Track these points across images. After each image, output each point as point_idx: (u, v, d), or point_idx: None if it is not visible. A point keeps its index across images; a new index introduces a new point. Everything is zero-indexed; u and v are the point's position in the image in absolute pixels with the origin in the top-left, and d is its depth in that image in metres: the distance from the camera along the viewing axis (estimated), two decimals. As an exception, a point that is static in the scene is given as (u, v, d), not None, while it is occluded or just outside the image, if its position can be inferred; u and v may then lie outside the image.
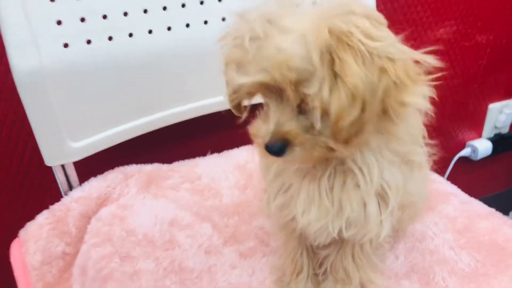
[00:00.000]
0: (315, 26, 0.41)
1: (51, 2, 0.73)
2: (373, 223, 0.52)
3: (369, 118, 0.42)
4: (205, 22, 0.89)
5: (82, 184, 0.87)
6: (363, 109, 0.41)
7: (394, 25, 0.45)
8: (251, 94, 0.48)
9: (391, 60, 0.40)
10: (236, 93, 0.48)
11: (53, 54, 0.75)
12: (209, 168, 0.96)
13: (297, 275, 0.65)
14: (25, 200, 1.00)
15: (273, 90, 0.44)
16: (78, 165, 0.87)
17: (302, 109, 0.44)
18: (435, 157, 0.59)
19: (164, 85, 0.90)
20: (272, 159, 0.54)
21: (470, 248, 0.67)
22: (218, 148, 1.03)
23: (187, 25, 0.88)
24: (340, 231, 0.53)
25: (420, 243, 0.70)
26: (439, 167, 0.99)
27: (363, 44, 0.39)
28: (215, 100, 0.97)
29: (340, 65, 0.39)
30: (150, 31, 0.85)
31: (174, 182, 0.92)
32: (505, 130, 1.51)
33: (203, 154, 1.02)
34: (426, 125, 0.55)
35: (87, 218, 0.82)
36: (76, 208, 0.81)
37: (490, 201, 1.53)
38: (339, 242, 0.61)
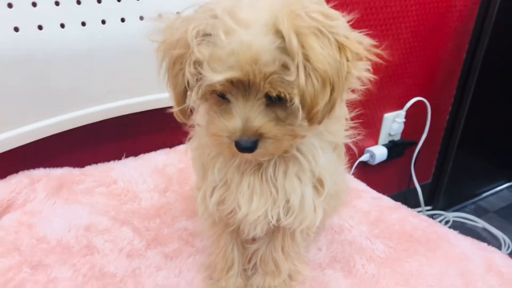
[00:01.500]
0: (277, 16, 0.42)
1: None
2: (309, 209, 0.54)
3: (338, 97, 0.45)
4: (122, 20, 0.86)
5: (-20, 189, 0.78)
6: (332, 90, 0.43)
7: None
8: (212, 93, 0.46)
9: (346, 37, 0.44)
10: (199, 92, 0.45)
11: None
12: (125, 172, 0.92)
13: (228, 271, 0.64)
14: None
15: (240, 86, 0.44)
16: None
17: (267, 102, 0.45)
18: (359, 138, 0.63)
19: (74, 83, 0.85)
20: (211, 157, 0.55)
21: (383, 237, 0.73)
22: (134, 151, 0.99)
23: (103, 22, 0.84)
24: (278, 219, 0.54)
25: (339, 235, 0.74)
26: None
27: (323, 25, 0.42)
28: (130, 101, 0.94)
29: (309, 51, 0.41)
30: (62, 25, 0.80)
31: (87, 187, 0.87)
32: (397, 137, 1.67)
33: (118, 158, 0.97)
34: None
35: (-13, 227, 0.73)
36: (-26, 215, 0.72)
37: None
38: (269, 235, 0.62)
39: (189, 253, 0.72)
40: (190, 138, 0.60)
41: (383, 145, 1.63)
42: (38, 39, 0.77)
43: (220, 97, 0.47)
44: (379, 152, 1.59)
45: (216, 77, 0.43)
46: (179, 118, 0.51)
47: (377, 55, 0.49)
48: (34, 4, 0.76)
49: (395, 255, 0.69)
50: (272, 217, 0.54)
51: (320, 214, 0.56)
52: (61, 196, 0.83)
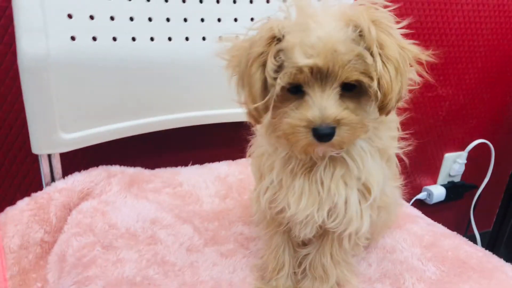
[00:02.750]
0: (351, 9, 0.49)
1: (65, -5, 0.77)
2: (353, 213, 0.57)
3: (405, 90, 0.50)
4: (203, 39, 0.96)
5: (65, 177, 0.87)
6: (401, 81, 0.49)
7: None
8: (294, 82, 0.50)
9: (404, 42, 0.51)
10: (284, 78, 0.49)
11: (60, 45, 0.78)
12: (190, 176, 0.99)
13: (278, 272, 0.68)
14: (7, 188, 0.98)
15: (317, 76, 0.48)
16: (62, 158, 0.88)
17: (341, 93, 0.50)
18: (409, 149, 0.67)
19: (158, 92, 0.94)
20: (267, 165, 0.61)
21: (436, 261, 0.73)
22: (200, 161, 1.06)
23: (187, 39, 0.94)
24: (323, 221, 0.58)
25: (391, 255, 0.75)
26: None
27: (391, 27, 0.49)
28: (201, 114, 1.02)
29: (384, 40, 0.48)
30: (152, 38, 0.90)
31: (155, 186, 0.94)
32: (457, 179, 1.63)
33: (185, 164, 1.05)
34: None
35: (68, 209, 0.82)
36: (59, 198, 0.81)
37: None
38: (320, 240, 0.65)
39: (244, 254, 0.76)
40: (251, 145, 0.66)
41: (442, 185, 1.60)
42: (132, 48, 0.87)
43: (292, 93, 0.51)
44: (437, 192, 1.57)
45: (305, 61, 0.47)
46: (253, 117, 0.54)
47: (426, 62, 0.54)
48: (131, 19, 0.86)
49: (447, 278, 0.69)
50: (318, 217, 0.57)
51: (367, 221, 0.59)
52: (131, 192, 0.90)
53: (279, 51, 0.50)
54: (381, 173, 0.59)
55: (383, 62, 0.49)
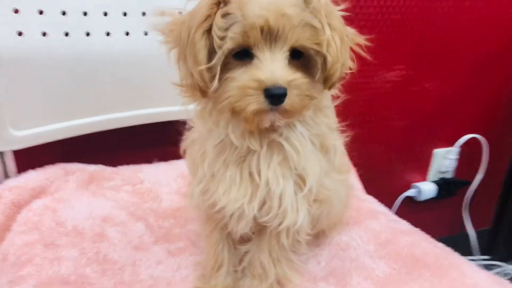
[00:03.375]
0: None
1: (10, -9, 0.76)
2: (288, 205, 0.54)
3: (347, 65, 0.52)
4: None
5: (20, 174, 0.86)
6: (345, 54, 0.50)
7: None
8: (242, 44, 0.48)
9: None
10: (234, 38, 0.48)
11: (6, 40, 0.77)
12: (153, 174, 0.97)
13: (218, 269, 0.65)
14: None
15: (267, 38, 0.48)
16: (19, 156, 0.87)
17: (289, 59, 0.49)
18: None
19: (115, 88, 0.92)
20: (200, 153, 0.58)
21: (389, 259, 0.69)
22: (165, 158, 1.04)
23: (146, 34, 0.92)
24: (256, 214, 0.55)
25: (343, 252, 0.72)
26: (386, 204, 1.05)
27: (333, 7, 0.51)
28: (165, 110, 0.99)
29: (331, 11, 0.50)
30: (107, 33, 0.88)
31: (115, 184, 0.92)
32: (449, 175, 1.58)
33: (150, 162, 1.03)
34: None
35: (18, 207, 0.80)
36: (8, 196, 0.80)
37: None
38: (258, 237, 0.62)
39: (192, 253, 0.74)
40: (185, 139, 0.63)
41: (433, 181, 1.55)
42: (85, 44, 0.86)
43: (238, 59, 0.49)
44: (427, 188, 1.52)
45: (258, 16, 0.46)
46: (199, 88, 0.50)
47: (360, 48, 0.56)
48: (85, 14, 0.85)
49: (396, 276, 0.65)
50: (249, 210, 0.54)
51: (303, 214, 0.56)
52: (89, 189, 0.89)
53: (225, 14, 0.48)
54: (318, 164, 0.57)
55: (332, 29, 0.50)
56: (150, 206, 0.88)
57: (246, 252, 0.64)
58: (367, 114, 1.37)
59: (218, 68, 0.49)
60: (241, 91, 0.48)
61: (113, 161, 1.00)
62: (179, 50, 0.51)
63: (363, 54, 0.56)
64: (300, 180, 0.56)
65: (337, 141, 0.62)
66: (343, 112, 0.63)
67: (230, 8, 0.48)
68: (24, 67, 0.80)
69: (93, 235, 0.76)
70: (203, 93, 0.51)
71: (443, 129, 1.50)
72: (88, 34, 0.86)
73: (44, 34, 0.81)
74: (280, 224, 0.56)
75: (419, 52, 1.33)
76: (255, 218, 0.57)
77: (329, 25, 0.49)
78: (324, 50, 0.49)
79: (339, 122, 0.63)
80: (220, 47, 0.48)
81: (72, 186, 0.88)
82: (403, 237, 0.75)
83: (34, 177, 0.86)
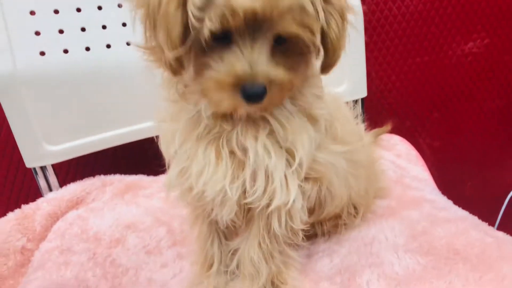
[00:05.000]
0: None
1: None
2: (277, 181, 0.47)
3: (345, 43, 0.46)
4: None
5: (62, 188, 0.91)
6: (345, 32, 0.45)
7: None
8: (220, 29, 0.41)
9: None
10: (214, 20, 0.40)
11: (28, 61, 0.82)
12: (189, 179, 0.94)
13: (208, 268, 0.58)
14: (7, 202, 1.06)
15: (250, 24, 0.41)
16: (60, 170, 0.92)
17: (273, 47, 0.43)
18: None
19: (141, 97, 0.93)
20: (174, 130, 0.52)
21: (417, 252, 0.54)
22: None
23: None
24: (240, 196, 0.49)
25: (365, 247, 0.59)
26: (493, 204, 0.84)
27: None
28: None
29: None
30: (128, 44, 0.90)
31: (151, 192, 0.92)
32: None
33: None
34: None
35: (54, 218, 0.84)
36: (46, 208, 0.84)
37: None
38: (247, 229, 0.54)
39: (201, 255, 0.68)
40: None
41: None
42: (106, 57, 0.88)
43: (216, 41, 0.42)
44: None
45: (242, 2, 0.39)
46: (171, 68, 0.44)
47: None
48: (104, 27, 0.88)
49: (420, 273, 0.51)
50: (232, 192, 0.48)
51: (294, 192, 0.48)
52: (124, 199, 0.89)
53: None
54: (307, 136, 0.49)
55: (328, 12, 0.43)
56: (179, 211, 0.84)
57: (236, 250, 0.56)
58: (450, 96, 1.17)
59: (192, 51, 0.43)
60: (216, 85, 0.43)
61: (152, 171, 1.00)
62: (147, 14, 0.43)
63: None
64: (289, 155, 0.49)
65: (324, 110, 0.52)
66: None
67: None
68: (47, 84, 0.84)
69: (110, 241, 0.75)
70: (174, 72, 0.45)
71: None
72: (108, 46, 0.88)
73: (65, 51, 0.85)
74: (269, 205, 0.49)
75: (502, 15, 1.11)
76: (239, 202, 0.50)
77: (327, 5, 0.43)
78: (317, 41, 0.43)
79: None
80: (195, 29, 0.41)
81: (107, 196, 0.89)
82: (445, 226, 0.59)
83: (72, 189, 0.89)
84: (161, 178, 0.98)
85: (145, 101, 0.92)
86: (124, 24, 0.89)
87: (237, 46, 0.42)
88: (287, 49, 0.44)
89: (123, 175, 0.97)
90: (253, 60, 0.41)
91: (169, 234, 0.76)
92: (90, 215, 0.83)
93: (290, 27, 0.41)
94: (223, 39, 0.42)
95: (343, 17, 0.44)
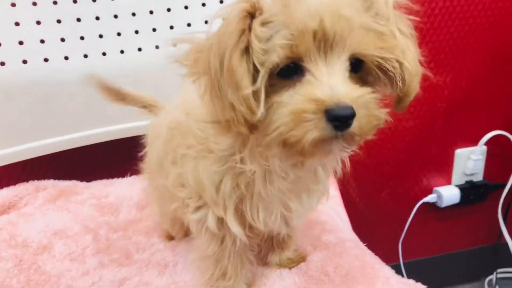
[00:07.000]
0: None
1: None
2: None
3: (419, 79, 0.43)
4: (122, 52, 0.97)
5: (-7, 192, 0.95)
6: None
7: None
8: (290, 55, 0.39)
9: None
10: (280, 49, 0.38)
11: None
12: (120, 188, 1.00)
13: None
14: None
15: (321, 45, 0.39)
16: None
17: (350, 76, 0.41)
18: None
19: (82, 107, 0.98)
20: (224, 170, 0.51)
21: (296, 274, 0.65)
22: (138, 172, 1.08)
23: (104, 54, 0.96)
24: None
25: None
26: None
27: None
28: (140, 124, 1.03)
29: (398, 19, 0.41)
30: (66, 58, 0.94)
31: (82, 198, 0.97)
32: (478, 178, 1.42)
33: (124, 176, 1.07)
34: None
35: (-15, 223, 0.88)
36: (-25, 212, 0.88)
37: (457, 258, 1.43)
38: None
39: (119, 264, 0.75)
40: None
41: (458, 185, 1.41)
42: (44, 69, 0.93)
43: (284, 78, 0.41)
44: (449, 193, 1.38)
45: (309, 21, 0.37)
46: (246, 124, 0.40)
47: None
48: (42, 41, 0.92)
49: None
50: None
51: None
52: (56, 204, 0.94)
53: (264, 23, 0.39)
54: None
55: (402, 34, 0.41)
56: (107, 219, 0.91)
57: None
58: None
59: (262, 90, 0.39)
60: (294, 117, 0.39)
61: (89, 177, 1.06)
62: (210, 81, 0.41)
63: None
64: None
65: None
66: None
67: (269, 15, 0.39)
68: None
69: (38, 248, 0.80)
70: (251, 127, 0.41)
71: (463, 127, 1.35)
72: (46, 60, 0.93)
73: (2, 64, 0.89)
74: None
75: (430, 42, 1.22)
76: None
77: (399, 31, 0.41)
78: (397, 56, 0.40)
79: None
80: (262, 64, 0.39)
81: (39, 202, 0.94)
82: (324, 251, 0.69)
83: (4, 194, 0.93)
84: (93, 184, 1.04)
85: (89, 108, 0.98)
86: (62, 40, 0.94)
87: (310, 74, 0.40)
88: (361, 77, 0.43)
89: (57, 180, 1.02)
90: (332, 83, 0.39)
91: (94, 241, 0.83)
92: (20, 220, 0.88)
93: (364, 45, 0.40)
94: (293, 73, 0.41)
95: (416, 48, 0.42)
